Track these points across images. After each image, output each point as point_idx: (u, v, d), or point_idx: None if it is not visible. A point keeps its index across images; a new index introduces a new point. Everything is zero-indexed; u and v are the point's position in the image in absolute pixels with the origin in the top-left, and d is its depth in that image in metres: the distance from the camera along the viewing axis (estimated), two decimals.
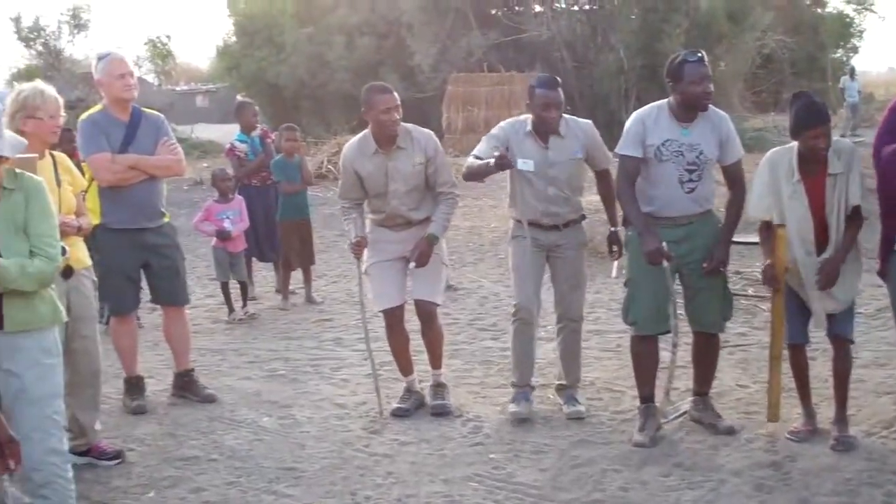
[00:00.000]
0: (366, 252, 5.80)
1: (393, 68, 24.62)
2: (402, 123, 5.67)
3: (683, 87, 5.00)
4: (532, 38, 23.39)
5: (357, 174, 5.70)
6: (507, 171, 5.51)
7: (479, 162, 5.49)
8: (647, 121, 5.12)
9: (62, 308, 4.04)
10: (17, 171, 3.87)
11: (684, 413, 5.43)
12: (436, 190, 5.74)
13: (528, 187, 5.52)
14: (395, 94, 5.64)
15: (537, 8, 24.94)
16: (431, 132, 5.89)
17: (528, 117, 5.58)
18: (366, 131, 5.70)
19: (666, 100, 5.17)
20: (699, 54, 5.03)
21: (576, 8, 25.38)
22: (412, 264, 5.64)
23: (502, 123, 5.76)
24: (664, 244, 4.96)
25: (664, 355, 5.28)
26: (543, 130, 5.49)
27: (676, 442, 5.16)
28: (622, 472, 4.81)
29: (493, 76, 22.98)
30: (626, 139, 5.14)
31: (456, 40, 23.87)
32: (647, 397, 5.29)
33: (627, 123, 5.22)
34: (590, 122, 5.77)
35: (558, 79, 5.60)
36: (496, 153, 5.32)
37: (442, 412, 5.72)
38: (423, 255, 5.61)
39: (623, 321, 5.44)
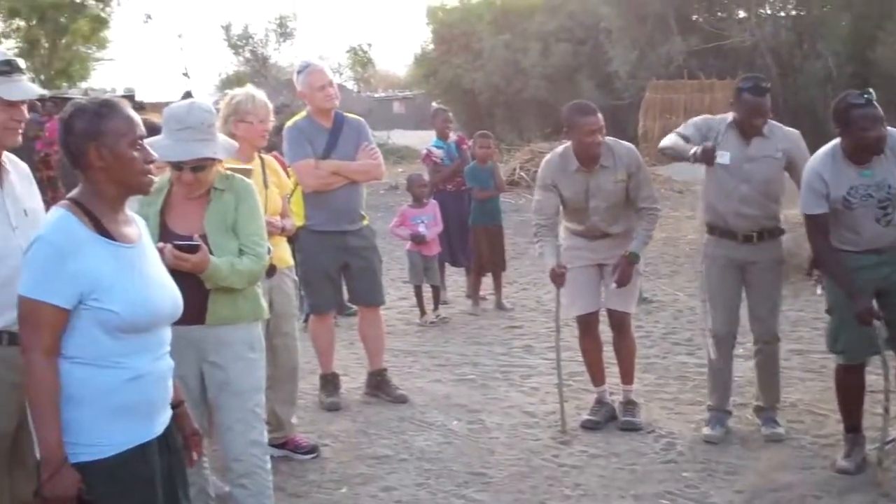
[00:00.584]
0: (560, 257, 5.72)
1: (589, 75, 24.40)
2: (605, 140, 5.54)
3: (854, 133, 4.62)
4: (735, 45, 22.66)
5: (556, 190, 5.63)
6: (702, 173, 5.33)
7: (683, 144, 5.29)
8: (825, 173, 4.73)
9: (264, 305, 4.17)
10: (229, 172, 4.04)
11: (894, 440, 5.09)
12: (637, 205, 5.59)
13: (720, 185, 5.30)
14: (599, 115, 5.47)
15: (741, 14, 24.14)
16: (633, 146, 5.74)
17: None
18: (567, 146, 5.58)
19: (835, 142, 4.78)
20: (866, 96, 4.60)
21: (782, 14, 24.45)
22: (613, 284, 5.52)
23: (706, 116, 5.57)
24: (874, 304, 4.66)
25: (870, 378, 4.98)
26: (746, 132, 5.28)
27: (884, 471, 4.85)
28: (822, 499, 4.58)
29: (692, 83, 22.41)
30: (808, 197, 4.78)
31: (655, 46, 23.40)
32: (854, 427, 4.99)
33: (805, 177, 4.83)
34: (797, 131, 5.49)
35: (767, 84, 5.32)
36: (707, 144, 5.14)
37: (631, 429, 5.59)
38: (624, 275, 5.48)
39: (830, 350, 5.11)
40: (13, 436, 3.34)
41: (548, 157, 5.83)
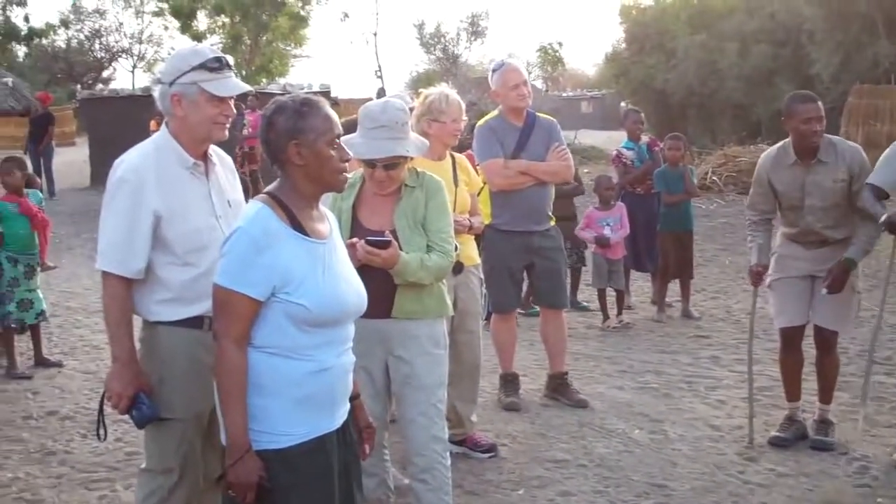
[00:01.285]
0: (772, 264, 5.51)
1: (788, 78, 23.47)
2: (827, 136, 5.32)
3: None
4: None
5: (771, 185, 5.42)
6: None
7: None
8: None
9: (449, 302, 4.20)
10: (419, 169, 4.08)
11: None
12: (859, 210, 5.28)
13: None
14: (819, 104, 5.26)
15: None
16: (858, 147, 5.43)
17: None
18: (786, 140, 5.38)
19: None
20: None
21: None
22: (823, 290, 5.27)
23: None
24: None
25: None
26: None
27: None
28: None
29: None
30: None
31: (861, 49, 22.29)
32: None
33: None
34: None
35: None
36: None
37: (824, 448, 5.33)
38: (836, 281, 5.21)
39: None
40: (209, 417, 3.49)
41: (766, 150, 5.64)
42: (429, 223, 3.97)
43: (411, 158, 4.01)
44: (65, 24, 47.32)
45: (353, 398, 3.10)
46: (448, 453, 4.11)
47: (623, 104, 30.70)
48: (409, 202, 3.98)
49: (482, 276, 5.54)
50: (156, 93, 3.55)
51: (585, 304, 9.27)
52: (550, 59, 35.10)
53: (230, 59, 3.52)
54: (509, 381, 6.29)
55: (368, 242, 3.74)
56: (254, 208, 2.89)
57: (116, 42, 48.72)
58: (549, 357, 6.42)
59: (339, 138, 2.94)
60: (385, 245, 3.77)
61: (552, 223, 6.17)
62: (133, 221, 3.37)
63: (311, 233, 2.90)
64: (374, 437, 3.29)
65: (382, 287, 3.80)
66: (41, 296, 7.54)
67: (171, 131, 3.50)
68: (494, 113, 6.21)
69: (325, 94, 20.42)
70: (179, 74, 3.40)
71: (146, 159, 3.45)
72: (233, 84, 3.48)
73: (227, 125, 3.53)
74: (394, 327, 3.97)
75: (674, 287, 9.09)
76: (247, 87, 3.61)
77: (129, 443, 5.49)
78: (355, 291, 3.00)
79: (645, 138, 9.37)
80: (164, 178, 3.42)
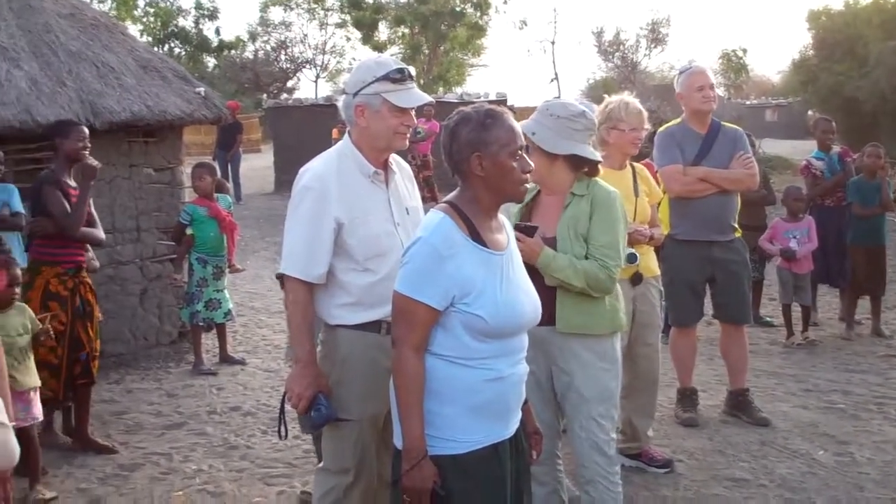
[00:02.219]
0: None
1: None
2: None
3: None
4: None
5: None
6: None
7: None
8: None
9: (623, 317, 4.06)
10: (595, 179, 3.99)
11: None
12: None
13: None
14: None
15: None
16: None
17: None
18: None
19: None
20: None
21: None
22: None
23: None
24: None
25: None
26: None
27: None
28: None
29: None
30: None
31: None
32: None
33: None
34: None
35: None
36: None
37: None
38: None
39: None
40: (384, 419, 3.54)
41: None
42: (591, 236, 3.86)
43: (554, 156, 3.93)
44: (253, 36, 49.39)
45: (523, 403, 3.07)
46: (617, 468, 3.99)
47: (810, 112, 29.56)
48: (574, 211, 3.90)
49: (662, 287, 5.41)
50: (340, 103, 3.64)
51: (769, 319, 8.95)
52: (734, 65, 34.25)
53: (413, 70, 3.56)
54: (687, 396, 6.12)
55: (516, 227, 3.69)
56: (435, 218, 2.90)
57: (301, 53, 50.41)
58: (730, 373, 6.21)
59: (521, 150, 2.92)
60: (530, 231, 3.73)
61: (737, 234, 5.98)
62: (316, 228, 3.47)
63: (489, 243, 2.89)
64: (541, 443, 3.26)
65: (542, 293, 3.75)
66: (228, 296, 7.86)
67: (353, 140, 3.58)
68: (677, 120, 6.06)
69: (502, 102, 20.54)
70: (364, 85, 3.47)
71: (329, 168, 3.54)
72: (415, 95, 3.52)
73: (408, 135, 3.58)
74: (556, 338, 3.89)
75: (864, 303, 8.66)
76: (428, 98, 3.64)
77: (307, 440, 5.64)
78: (532, 302, 2.98)
79: (836, 148, 8.97)
80: (345, 185, 3.50)
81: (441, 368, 2.83)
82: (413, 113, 3.56)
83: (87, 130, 5.83)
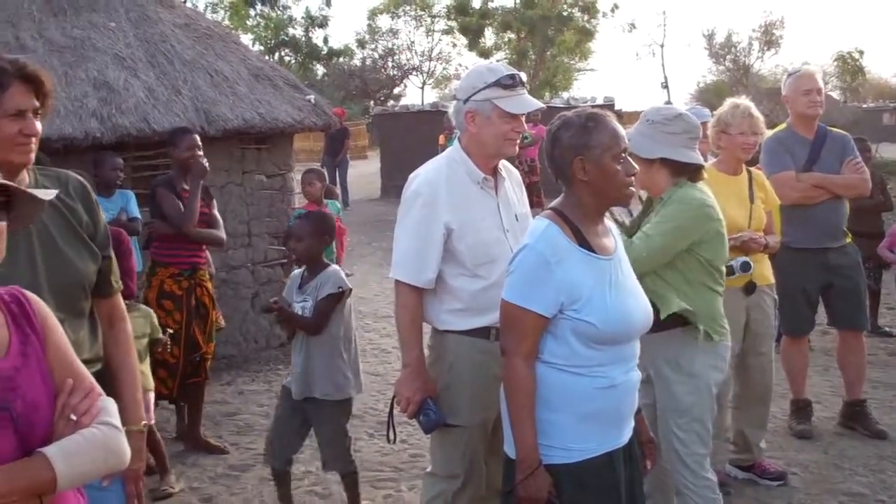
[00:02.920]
0: None
1: None
2: None
3: None
4: None
5: None
6: None
7: None
8: None
9: (725, 327, 3.85)
10: (679, 183, 3.84)
11: None
12: None
13: None
14: None
15: None
16: None
17: None
18: None
19: None
20: None
21: None
22: None
23: None
24: None
25: None
26: None
27: None
28: None
29: None
30: None
31: None
32: None
33: None
34: None
35: None
36: None
37: None
38: None
39: None
40: (493, 425, 3.54)
41: None
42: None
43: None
44: (361, 44, 50.06)
45: (636, 412, 3.03)
46: (706, 482, 3.78)
47: None
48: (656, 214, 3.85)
49: (776, 296, 5.27)
50: (450, 109, 3.65)
51: (888, 329, 8.65)
52: (849, 68, 33.21)
53: (523, 76, 3.56)
54: (801, 408, 5.96)
55: None
56: (541, 225, 2.88)
57: (408, 60, 50.92)
58: (846, 383, 6.03)
59: (625, 152, 2.89)
60: None
61: (848, 240, 5.81)
62: (426, 234, 3.48)
63: (597, 249, 2.87)
64: (655, 452, 3.20)
65: None
66: None
67: (462, 146, 3.59)
68: (782, 126, 5.91)
69: (609, 106, 20.36)
70: (474, 91, 3.47)
71: (439, 174, 3.55)
72: (526, 101, 3.51)
73: (518, 141, 3.58)
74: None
75: None
76: (539, 104, 3.60)
77: (414, 445, 5.68)
78: (642, 307, 2.94)
79: None
80: (455, 191, 3.51)
81: (552, 376, 2.81)
82: (523, 119, 3.55)
83: (197, 138, 5.97)
